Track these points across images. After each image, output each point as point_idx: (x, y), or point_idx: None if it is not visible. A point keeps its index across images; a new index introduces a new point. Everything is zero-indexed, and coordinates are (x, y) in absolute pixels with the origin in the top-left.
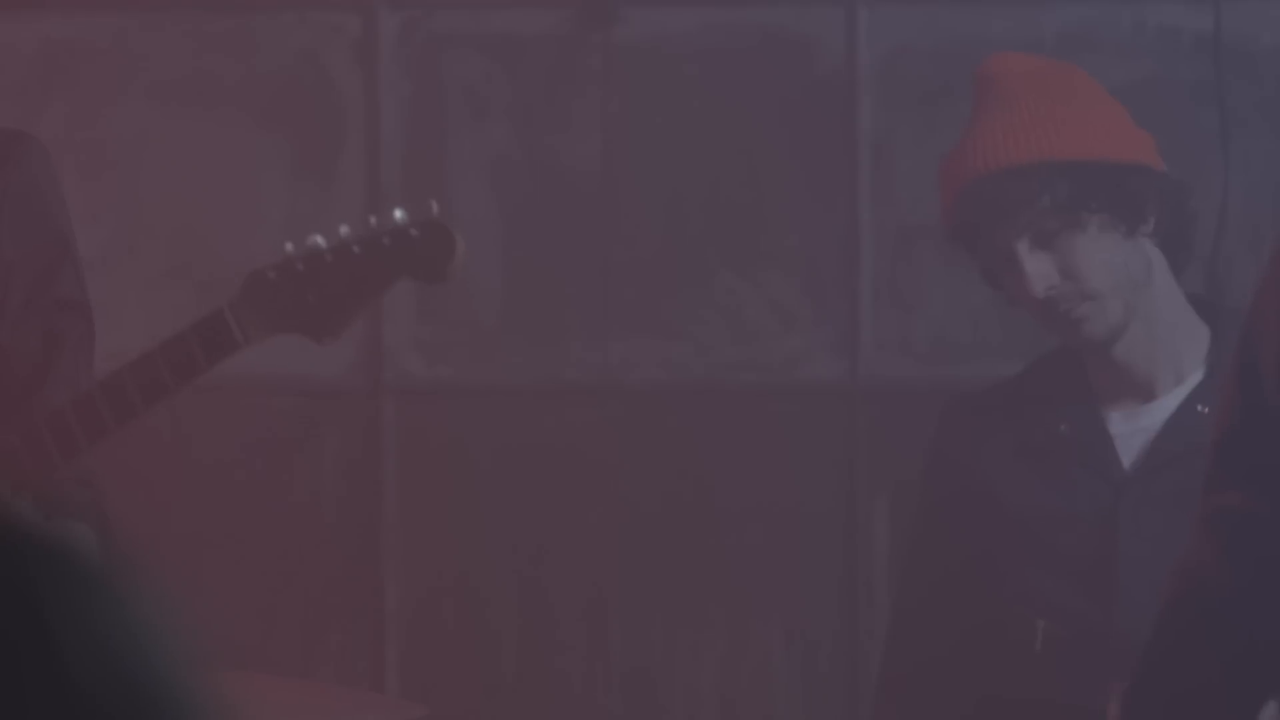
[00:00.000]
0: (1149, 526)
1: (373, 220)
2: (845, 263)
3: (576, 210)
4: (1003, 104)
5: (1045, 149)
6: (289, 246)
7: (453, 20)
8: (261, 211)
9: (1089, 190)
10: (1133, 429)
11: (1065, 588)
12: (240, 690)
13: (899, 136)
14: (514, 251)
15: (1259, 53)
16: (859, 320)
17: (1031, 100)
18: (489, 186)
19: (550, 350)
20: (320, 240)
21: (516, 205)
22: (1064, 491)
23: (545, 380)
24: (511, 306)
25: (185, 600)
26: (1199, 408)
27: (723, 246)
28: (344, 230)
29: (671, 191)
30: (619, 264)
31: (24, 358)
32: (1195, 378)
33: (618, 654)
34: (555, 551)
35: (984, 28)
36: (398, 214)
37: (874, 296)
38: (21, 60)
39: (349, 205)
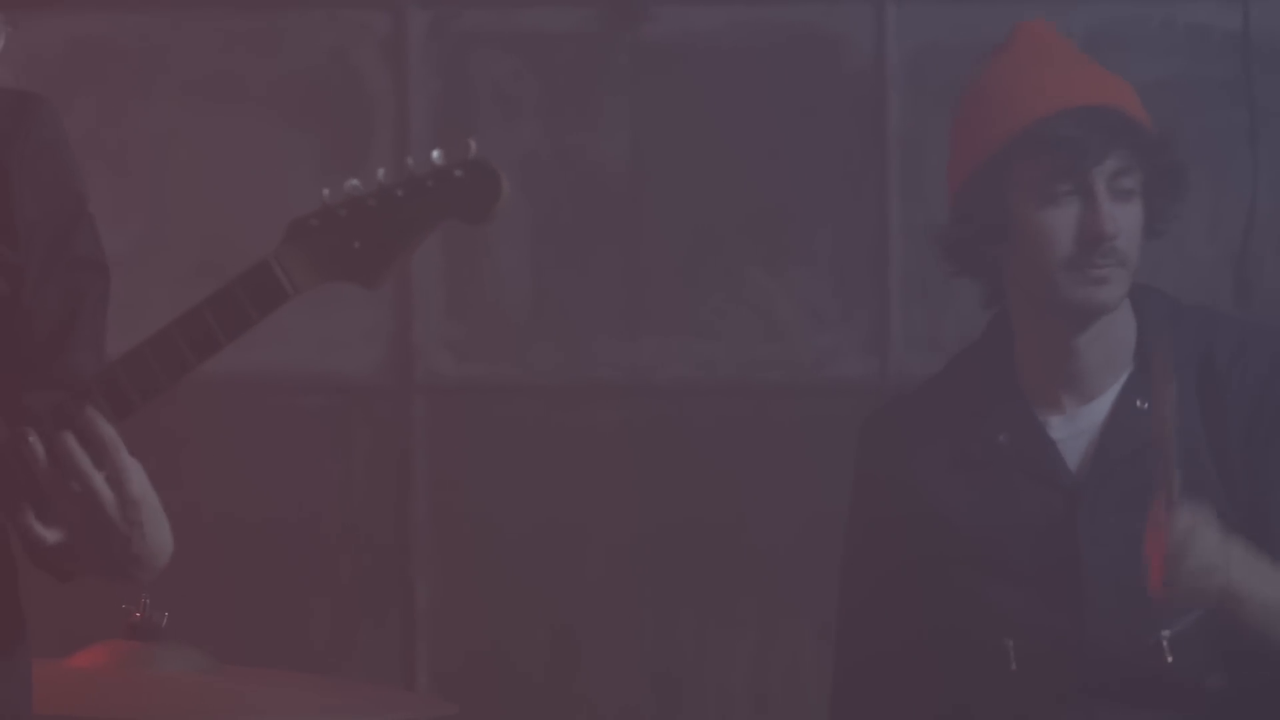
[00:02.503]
0: (1108, 531)
1: (410, 162)
2: (874, 260)
3: (605, 208)
4: (1056, 52)
5: (1120, 99)
6: (326, 193)
7: (481, 18)
8: (289, 209)
9: (1145, 153)
10: (1074, 431)
11: (1030, 603)
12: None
13: (928, 134)
14: (543, 249)
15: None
16: (888, 318)
17: (1079, 56)
18: (517, 185)
19: (579, 348)
20: (358, 184)
21: (545, 203)
22: (1013, 504)
23: (574, 378)
24: (541, 304)
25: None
26: (1137, 403)
27: (751, 244)
28: (381, 174)
29: (700, 189)
30: (648, 262)
31: (46, 316)
32: (1126, 372)
33: (648, 652)
34: (584, 549)
35: (1012, 24)
36: (436, 155)
37: (903, 294)
38: (50, 58)
39: None
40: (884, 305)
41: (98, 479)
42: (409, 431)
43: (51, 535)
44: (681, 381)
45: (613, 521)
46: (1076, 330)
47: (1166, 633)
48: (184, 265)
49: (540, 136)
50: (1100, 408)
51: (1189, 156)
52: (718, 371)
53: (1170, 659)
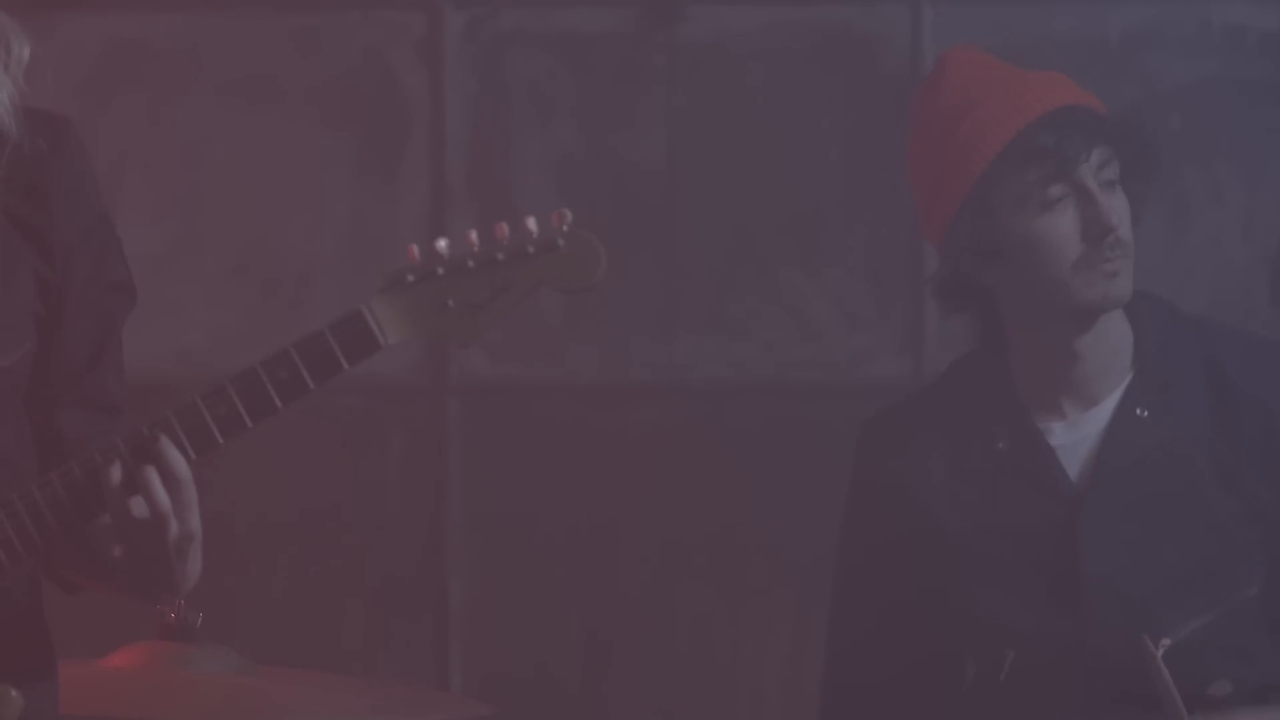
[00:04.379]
0: (1110, 540)
1: (506, 228)
2: (909, 261)
3: (641, 208)
4: (997, 69)
5: (1079, 96)
6: (414, 249)
7: (518, 18)
8: (326, 210)
9: (1119, 141)
10: (1074, 439)
11: (1030, 612)
12: (306, 689)
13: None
14: None
15: None
16: (923, 318)
17: (1016, 69)
18: (554, 185)
19: (614, 349)
20: (447, 244)
21: (581, 203)
22: (1012, 512)
23: (609, 379)
24: (576, 305)
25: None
26: (1138, 411)
27: (787, 245)
28: (475, 237)
29: (735, 190)
30: (683, 262)
31: (81, 338)
32: (1126, 379)
33: (681, 652)
34: (618, 550)
35: (1048, 26)
36: (534, 223)
37: None
38: (88, 58)
39: (414, 203)
40: (918, 306)
41: (168, 509)
42: (443, 433)
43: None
44: (716, 382)
45: (647, 523)
46: (1080, 331)
47: (1167, 642)
48: (220, 265)
49: (576, 137)
50: (1101, 415)
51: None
52: (753, 372)
53: (1171, 669)
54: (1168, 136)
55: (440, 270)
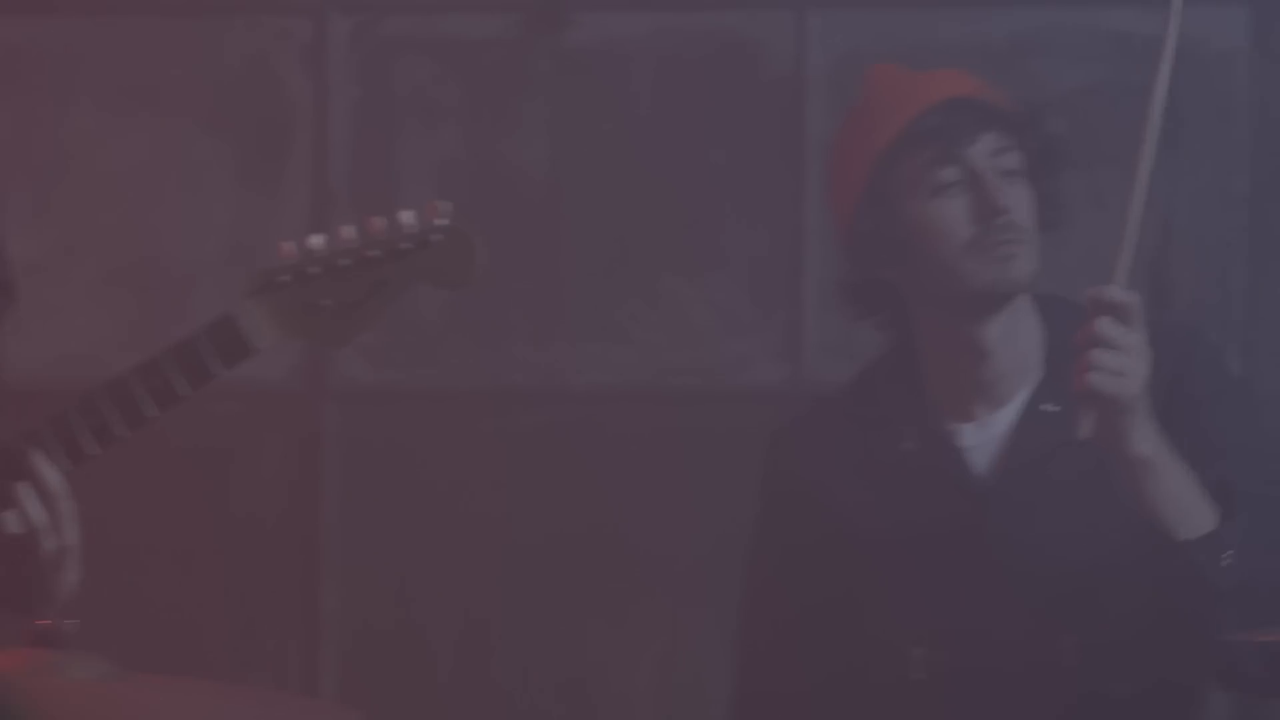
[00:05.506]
0: (1017, 536)
1: (382, 223)
2: (790, 267)
3: (523, 214)
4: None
5: (980, 91)
6: (289, 247)
7: (403, 24)
8: (207, 216)
9: (1019, 131)
10: (983, 440)
11: (939, 611)
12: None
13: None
14: None
15: (1210, 58)
16: (803, 324)
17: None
18: (436, 190)
19: (495, 354)
20: (324, 241)
21: (464, 209)
22: (921, 512)
23: (490, 384)
24: (456, 310)
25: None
26: (1044, 407)
27: (669, 250)
28: (351, 233)
29: (618, 195)
30: (565, 268)
31: None
32: (1035, 378)
33: (555, 659)
34: (496, 555)
35: (933, 32)
36: (409, 217)
37: (818, 301)
38: None
39: (296, 210)
40: (799, 312)
41: (43, 524)
42: (321, 438)
43: None
44: (596, 387)
45: (524, 528)
46: (983, 322)
47: (1075, 638)
48: (100, 271)
49: (460, 143)
50: (1009, 414)
51: (1064, 130)
52: (632, 377)
53: (1078, 664)
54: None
55: (314, 270)
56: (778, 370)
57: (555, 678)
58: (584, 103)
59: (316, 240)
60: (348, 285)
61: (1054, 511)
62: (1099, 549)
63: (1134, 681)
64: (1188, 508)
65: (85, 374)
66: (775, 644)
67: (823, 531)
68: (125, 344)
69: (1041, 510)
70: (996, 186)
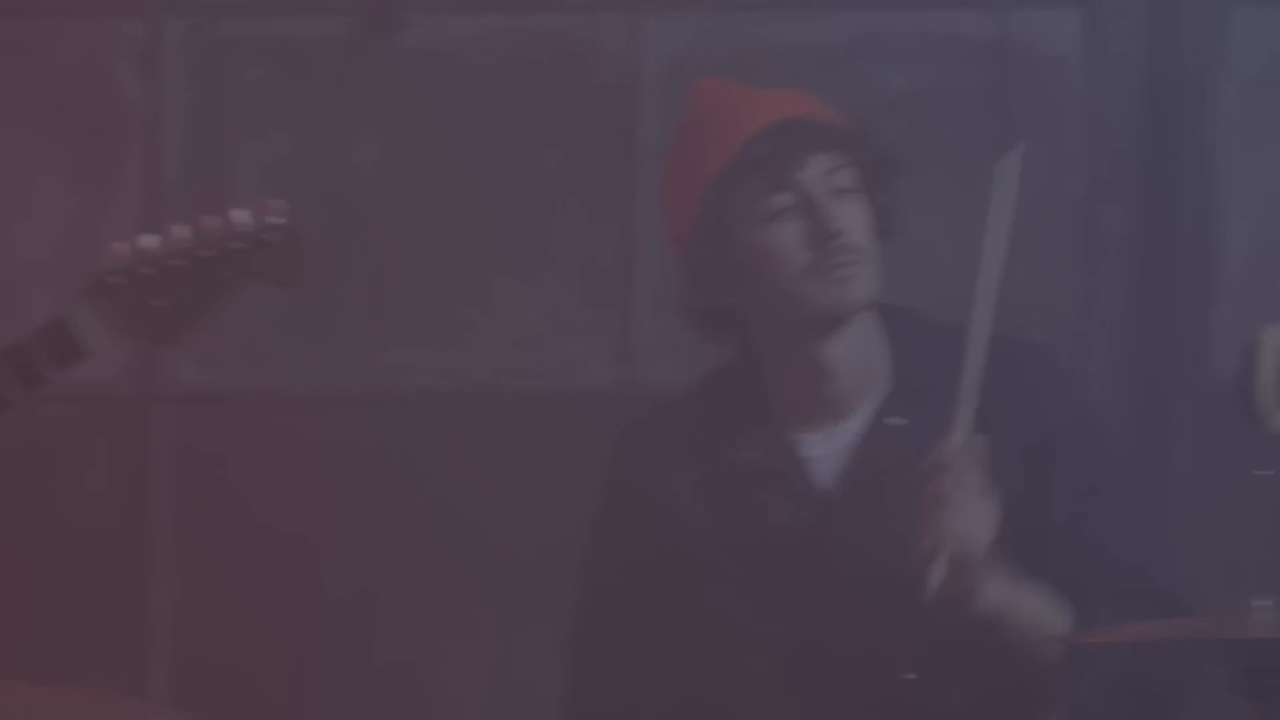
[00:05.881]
0: (858, 548)
1: (215, 222)
2: (623, 270)
3: (356, 216)
4: (736, 94)
5: (807, 110)
6: (119, 247)
7: (238, 26)
8: (38, 219)
9: (849, 149)
10: (828, 451)
11: (778, 620)
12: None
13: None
14: None
15: (1042, 61)
16: (635, 327)
17: (757, 91)
18: (270, 192)
19: (327, 356)
20: (157, 241)
21: (297, 210)
22: (763, 521)
23: (320, 386)
24: (289, 312)
25: None
26: (890, 421)
27: (502, 253)
28: (184, 233)
29: (452, 198)
30: (398, 270)
31: None
32: (880, 390)
33: (389, 658)
34: (328, 556)
35: (766, 36)
36: (243, 216)
37: (650, 303)
38: None
39: (129, 212)
40: (630, 314)
41: None
42: (151, 440)
43: None
44: (429, 389)
45: (357, 529)
46: (825, 342)
47: (912, 648)
48: None
49: (294, 144)
50: (855, 426)
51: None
52: (464, 380)
53: (914, 676)
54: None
55: (147, 270)
56: (610, 372)
57: (389, 678)
58: (418, 105)
59: (149, 241)
60: (181, 285)
61: (894, 525)
62: None
63: (971, 691)
64: (1042, 628)
65: None
66: (610, 649)
67: (663, 536)
68: None
69: (883, 523)
70: (830, 210)
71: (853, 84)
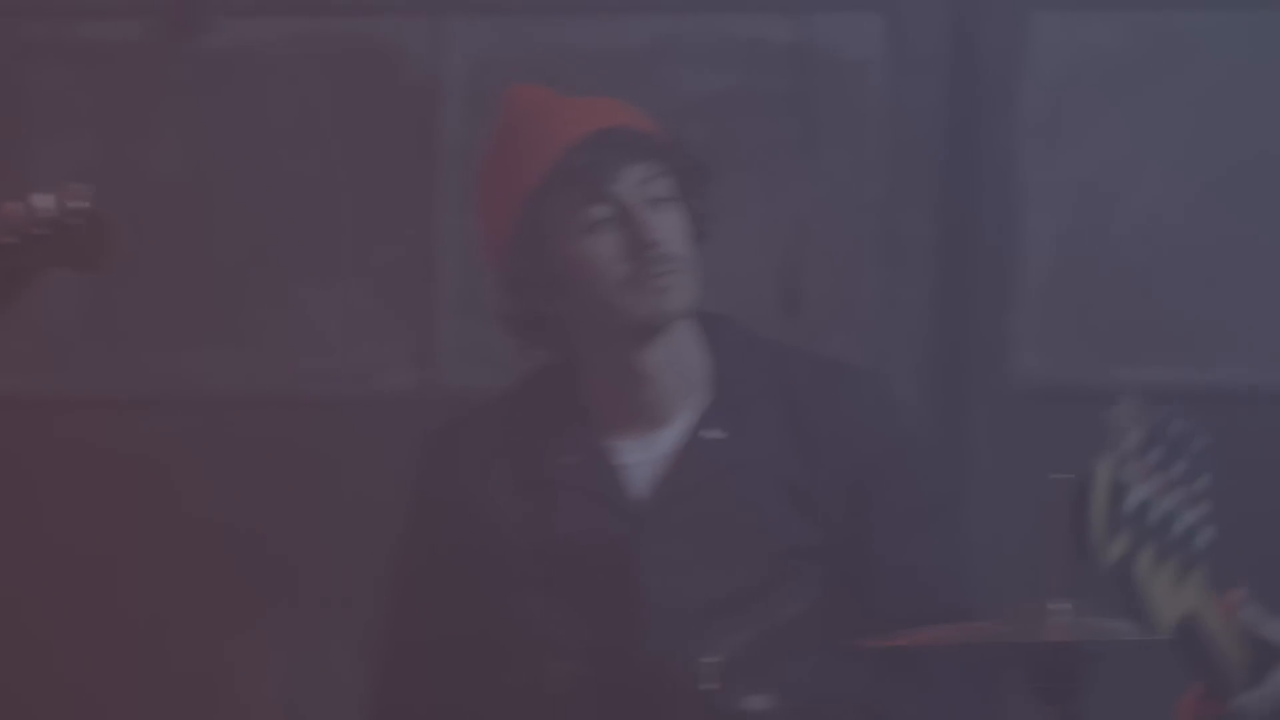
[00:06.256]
0: (668, 557)
1: (17, 207)
2: (423, 273)
3: (157, 219)
4: (551, 102)
5: (622, 118)
6: None
7: (39, 29)
8: None
9: (665, 158)
10: (644, 459)
11: (587, 626)
12: None
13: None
14: None
15: (844, 65)
16: (436, 330)
17: (571, 99)
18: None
19: (127, 359)
20: None
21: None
22: (576, 527)
23: (121, 389)
24: (88, 315)
25: None
26: (709, 433)
27: (302, 256)
28: None
29: (254, 201)
30: (198, 273)
31: None
32: (700, 400)
33: (179, 664)
34: (127, 559)
35: (570, 39)
36: (45, 200)
37: (452, 306)
38: None
39: None
40: (432, 317)
41: None
42: None
43: None
44: (229, 392)
45: (157, 531)
46: (643, 350)
47: (716, 659)
48: None
49: (96, 147)
50: (672, 436)
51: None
52: (264, 383)
53: (718, 684)
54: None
55: None
56: (411, 376)
57: (178, 684)
58: (221, 108)
59: None
60: None
61: (704, 536)
62: (742, 575)
63: (772, 702)
64: None
65: None
66: (412, 649)
67: (472, 538)
68: None
69: (693, 534)
70: (646, 220)
71: (654, 88)
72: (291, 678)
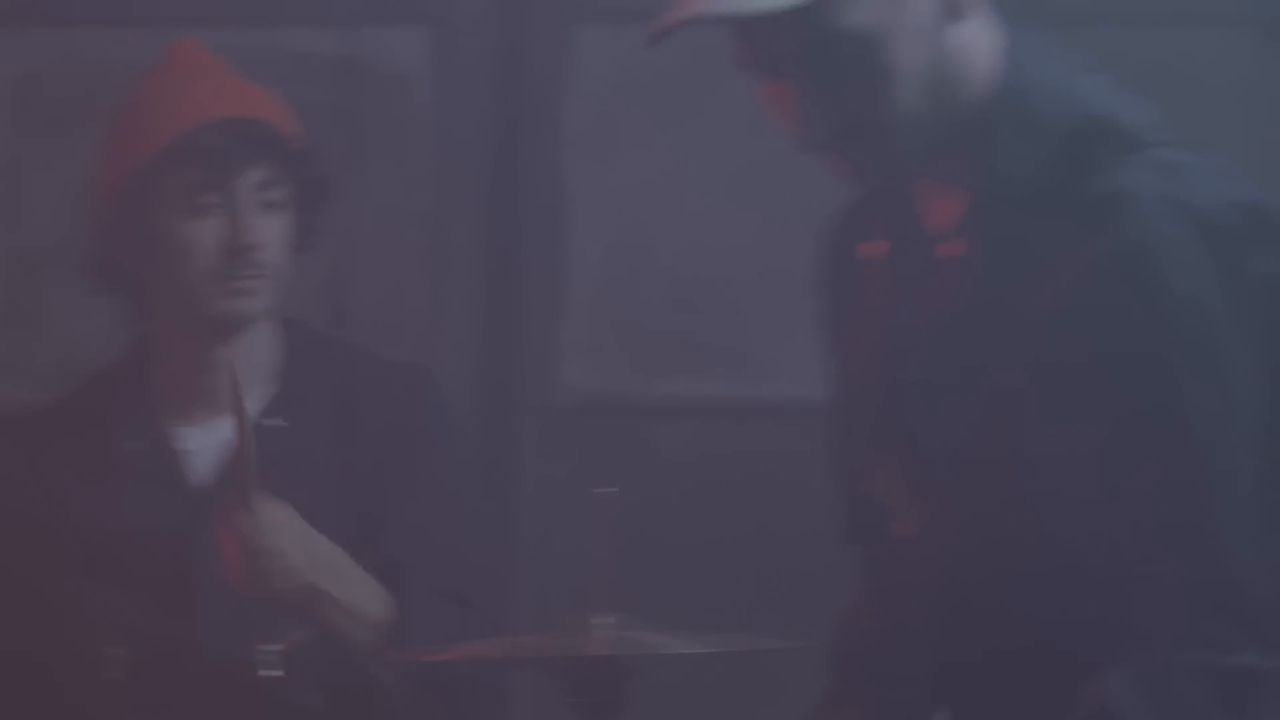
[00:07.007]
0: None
1: None
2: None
3: None
4: (209, 69)
5: (268, 113)
6: None
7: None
8: None
9: (292, 166)
10: (207, 444)
11: (144, 612)
12: None
13: (29, 160)
14: None
15: (390, 78)
16: None
17: (231, 75)
18: None
19: None
20: None
21: None
22: (135, 512)
23: None
24: None
25: None
26: (269, 422)
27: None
28: None
29: None
30: None
31: None
32: (267, 391)
33: None
34: None
35: (118, 51)
36: None
37: None
38: None
39: None
40: None
41: None
42: None
43: None
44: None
45: None
46: (218, 342)
47: (276, 646)
48: None
49: None
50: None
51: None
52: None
53: (278, 673)
54: None
55: None
56: None
57: None
58: None
59: None
60: None
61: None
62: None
63: (332, 692)
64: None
65: None
66: None
67: (34, 524)
68: None
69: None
70: (250, 222)
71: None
72: None
